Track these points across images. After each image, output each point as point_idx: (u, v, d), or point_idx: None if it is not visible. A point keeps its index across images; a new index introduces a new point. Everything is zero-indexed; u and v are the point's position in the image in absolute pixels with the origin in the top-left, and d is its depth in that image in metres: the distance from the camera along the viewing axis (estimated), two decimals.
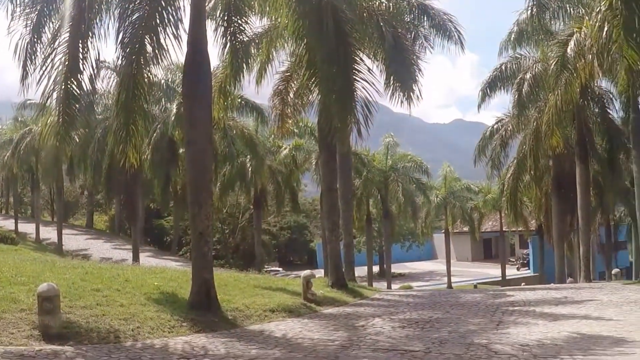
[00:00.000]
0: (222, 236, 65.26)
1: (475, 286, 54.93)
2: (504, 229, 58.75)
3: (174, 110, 38.66)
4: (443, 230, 60.83)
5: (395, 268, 75.24)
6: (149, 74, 15.38)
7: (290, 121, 26.13)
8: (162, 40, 14.76)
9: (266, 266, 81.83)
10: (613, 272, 29.33)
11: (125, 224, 67.01)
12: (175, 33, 14.80)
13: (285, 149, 47.27)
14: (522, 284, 58.06)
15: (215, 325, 12.98)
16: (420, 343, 11.29)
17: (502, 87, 33.69)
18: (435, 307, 17.19)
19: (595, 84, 31.52)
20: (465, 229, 64.94)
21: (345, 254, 27.90)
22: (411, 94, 20.74)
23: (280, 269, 78.93)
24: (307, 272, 17.81)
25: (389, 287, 48.20)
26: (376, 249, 74.89)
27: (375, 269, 72.52)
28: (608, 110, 33.06)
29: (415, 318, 14.89)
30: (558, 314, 14.93)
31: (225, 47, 17.31)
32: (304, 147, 47.16)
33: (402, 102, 20.77)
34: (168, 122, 40.95)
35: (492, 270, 68.20)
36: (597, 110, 33.31)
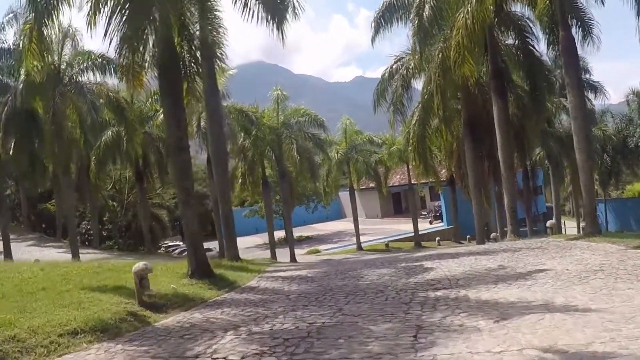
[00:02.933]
0: (112, 215, 58.65)
1: (386, 245, 51.55)
2: (412, 182, 54.25)
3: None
4: (348, 188, 56.12)
5: (302, 231, 72.35)
6: None
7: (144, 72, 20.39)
8: None
9: (166, 241, 76.80)
10: (548, 224, 24.83)
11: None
12: None
13: (161, 112, 41.36)
14: (437, 238, 54.73)
15: None
16: None
17: (400, 19, 28.53)
18: (323, 302, 11.98)
19: (509, 9, 27.06)
20: (372, 184, 60.51)
21: (225, 227, 23.11)
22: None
23: (180, 243, 73.93)
24: (140, 264, 12.19)
25: (292, 257, 43.27)
26: (280, 214, 70.88)
27: (282, 234, 68.60)
28: (528, 39, 28.06)
29: (287, 329, 9.74)
30: (505, 304, 10.08)
31: None
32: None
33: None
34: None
35: (404, 226, 64.53)
36: (514, 41, 28.62)
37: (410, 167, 49.90)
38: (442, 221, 67.08)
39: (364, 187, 66.86)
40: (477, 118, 30.27)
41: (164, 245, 69.42)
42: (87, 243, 52.08)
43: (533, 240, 21.56)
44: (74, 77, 33.39)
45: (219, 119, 23.48)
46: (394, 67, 31.81)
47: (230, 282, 15.23)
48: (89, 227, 54.07)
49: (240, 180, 44.89)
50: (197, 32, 20.36)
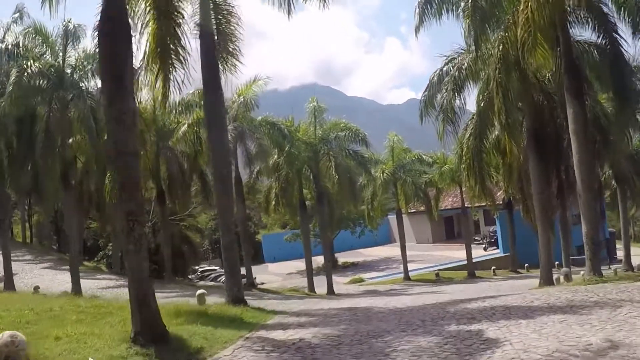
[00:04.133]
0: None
1: (437, 275, 47.28)
2: (465, 205, 49.05)
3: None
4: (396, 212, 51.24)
5: (348, 256, 69.76)
6: None
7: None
8: None
9: (202, 266, 72.78)
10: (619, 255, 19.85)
11: None
12: None
13: (184, 124, 37.37)
14: (493, 268, 49.68)
15: None
16: None
17: (449, 11, 23.83)
18: None
19: None
20: (423, 207, 55.66)
21: (226, 261, 18.70)
22: None
23: (217, 267, 70.00)
24: (5, 336, 7.46)
25: (329, 288, 38.77)
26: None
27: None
28: (611, 25, 22.56)
29: None
30: None
31: None
32: None
33: None
34: None
35: (456, 252, 59.69)
36: (592, 30, 23.42)
37: (463, 188, 45.01)
38: (498, 248, 61.66)
39: (413, 210, 61.88)
40: (544, 130, 25.46)
41: (200, 270, 65.39)
42: (111, 267, 48.11)
43: (629, 285, 16.39)
44: (78, 81, 29.59)
45: (221, 122, 19.27)
46: (444, 69, 26.89)
47: (189, 354, 10.31)
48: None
49: (273, 202, 40.48)
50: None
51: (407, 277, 47.18)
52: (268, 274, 67.21)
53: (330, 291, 38.49)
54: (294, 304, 22.30)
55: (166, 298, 25.55)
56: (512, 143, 23.00)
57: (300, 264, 58.30)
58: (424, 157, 48.51)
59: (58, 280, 35.96)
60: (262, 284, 57.65)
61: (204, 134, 37.81)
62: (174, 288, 34.01)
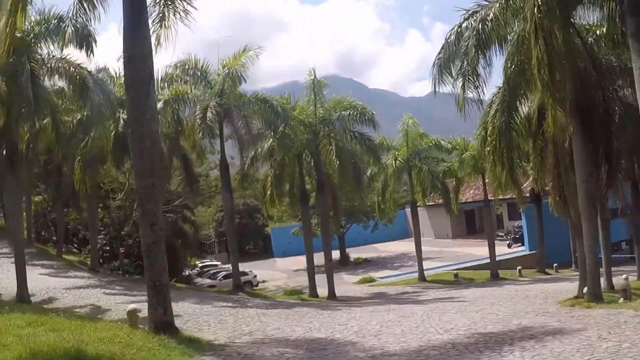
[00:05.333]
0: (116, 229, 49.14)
1: (455, 275, 42.69)
2: (489, 197, 43.36)
3: None
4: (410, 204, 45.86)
5: (362, 252, 66.49)
6: None
7: None
8: None
9: (204, 261, 68.10)
10: None
11: None
12: None
13: (159, 101, 32.19)
14: (519, 268, 44.42)
15: None
16: None
17: None
18: None
19: None
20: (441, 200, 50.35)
21: (149, 272, 13.94)
22: None
23: (218, 263, 65.62)
24: None
25: (330, 292, 33.75)
26: (334, 231, 61.64)
27: (336, 254, 60.05)
28: None
29: None
30: None
31: None
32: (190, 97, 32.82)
33: None
34: None
35: (478, 249, 55.30)
36: None
37: (486, 179, 39.58)
38: (523, 245, 56.40)
39: (432, 203, 56.90)
40: (591, 102, 20.30)
41: (200, 265, 60.54)
42: (101, 261, 42.92)
43: None
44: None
45: (146, 77, 14.14)
46: (464, 25, 21.37)
47: None
48: (104, 242, 45.10)
49: (269, 192, 35.31)
50: None
51: (422, 278, 42.03)
52: (274, 270, 63.44)
53: (332, 295, 33.44)
54: (261, 324, 17.65)
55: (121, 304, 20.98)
56: (557, 108, 17.38)
57: None
58: (442, 142, 42.87)
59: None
60: (264, 281, 53.24)
61: (186, 111, 33.07)
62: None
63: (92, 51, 22.81)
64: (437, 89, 21.23)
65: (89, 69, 26.75)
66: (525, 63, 18.98)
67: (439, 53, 21.69)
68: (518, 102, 21.75)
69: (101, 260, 42.28)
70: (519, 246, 57.24)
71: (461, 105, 20.26)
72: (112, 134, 32.41)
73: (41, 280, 29.69)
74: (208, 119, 30.22)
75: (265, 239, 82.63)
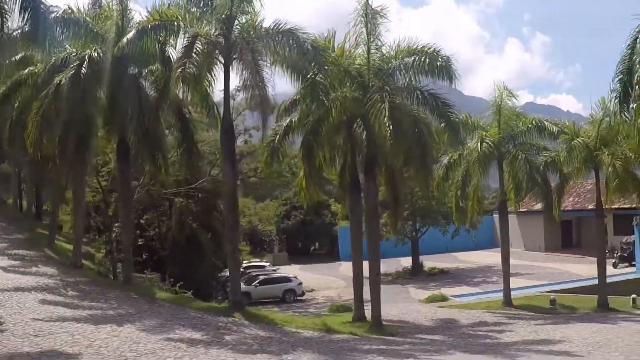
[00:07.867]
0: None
1: (552, 302, 32.57)
2: (602, 203, 32.60)
3: None
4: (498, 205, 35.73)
5: (440, 260, 58.21)
6: None
7: None
8: None
9: (249, 261, 60.56)
10: None
11: None
12: None
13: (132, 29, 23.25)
14: (633, 296, 33.91)
15: None
16: None
17: None
18: None
19: None
20: (535, 205, 39.81)
21: None
22: None
23: (267, 263, 57.89)
24: None
25: (375, 317, 24.89)
26: (407, 235, 54.79)
27: (408, 261, 54.33)
28: None
29: None
30: None
31: None
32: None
33: None
34: None
35: (575, 266, 48.86)
36: None
37: (601, 174, 29.73)
38: (635, 265, 46.27)
39: (524, 209, 47.33)
40: None
41: (245, 266, 52.35)
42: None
43: None
44: None
45: None
46: None
47: None
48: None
49: (301, 173, 26.25)
50: None
51: (507, 302, 32.38)
52: (335, 275, 55.60)
53: (377, 321, 24.53)
54: None
55: None
56: None
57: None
58: (545, 123, 31.89)
59: None
60: (311, 290, 45.52)
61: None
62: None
63: None
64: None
65: None
66: None
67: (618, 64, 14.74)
68: None
69: None
70: (627, 266, 47.49)
71: None
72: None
73: None
74: (195, 52, 20.44)
75: (333, 240, 73.45)
